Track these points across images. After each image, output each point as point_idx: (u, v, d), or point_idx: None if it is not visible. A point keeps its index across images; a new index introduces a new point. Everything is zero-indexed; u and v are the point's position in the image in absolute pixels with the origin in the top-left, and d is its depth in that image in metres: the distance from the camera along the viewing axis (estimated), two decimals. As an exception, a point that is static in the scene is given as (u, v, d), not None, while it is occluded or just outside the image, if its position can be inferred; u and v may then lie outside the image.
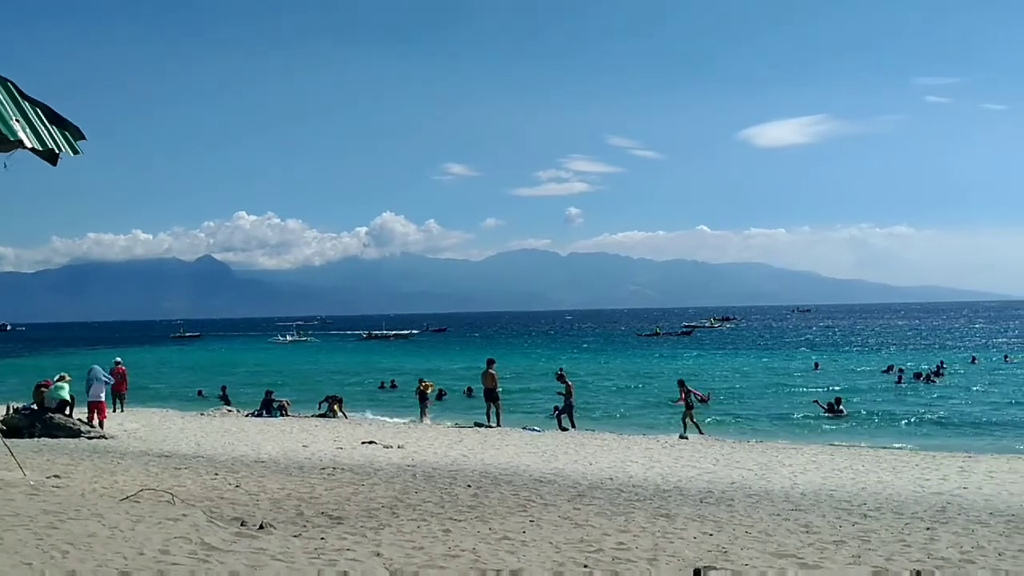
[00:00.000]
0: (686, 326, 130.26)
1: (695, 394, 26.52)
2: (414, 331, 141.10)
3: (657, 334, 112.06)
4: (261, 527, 9.70)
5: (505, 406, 27.49)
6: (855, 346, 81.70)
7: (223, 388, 38.43)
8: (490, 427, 25.54)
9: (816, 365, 53.99)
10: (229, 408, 32.64)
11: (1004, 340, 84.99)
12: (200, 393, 41.56)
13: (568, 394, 26.18)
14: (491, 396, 26.44)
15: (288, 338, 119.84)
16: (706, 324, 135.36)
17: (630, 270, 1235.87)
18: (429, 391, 30.41)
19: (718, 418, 31.36)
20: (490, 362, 27.28)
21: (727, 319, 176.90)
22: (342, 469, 15.80)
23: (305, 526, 10.20)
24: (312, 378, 52.35)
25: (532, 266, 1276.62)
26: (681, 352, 76.09)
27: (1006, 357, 58.26)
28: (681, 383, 26.76)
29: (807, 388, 41.09)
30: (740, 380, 47.77)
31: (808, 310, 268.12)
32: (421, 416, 29.04)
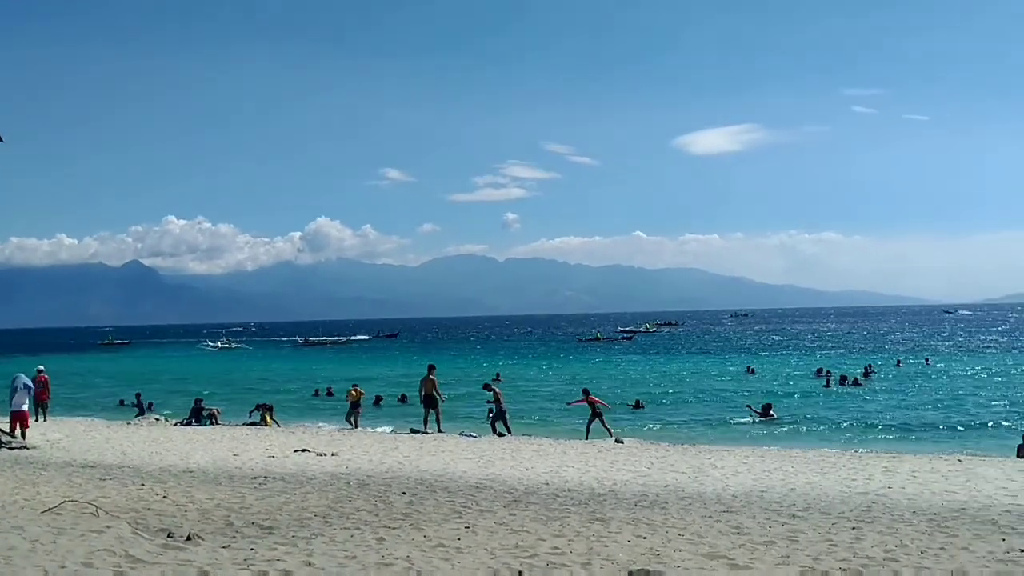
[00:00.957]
0: (624, 331, 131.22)
1: (599, 403, 26.87)
2: (365, 336, 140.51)
3: (598, 339, 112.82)
4: (189, 538, 9.50)
5: (445, 412, 27.32)
6: (788, 350, 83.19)
7: (137, 395, 37.56)
8: (426, 433, 25.39)
9: (752, 370, 54.89)
10: (156, 417, 31.90)
11: (925, 344, 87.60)
12: (122, 403, 40.41)
13: (497, 401, 26.28)
14: (431, 402, 26.27)
15: (218, 345, 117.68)
16: (642, 329, 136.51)
17: (567, 275, 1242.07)
18: (362, 398, 30.09)
19: (653, 422, 31.68)
20: (431, 368, 27.13)
21: (669, 324, 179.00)
22: (274, 478, 15.57)
23: (235, 537, 10.02)
24: (243, 386, 51.46)
25: (469, 272, 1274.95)
26: (620, 357, 76.70)
27: (927, 360, 60.01)
28: (586, 391, 27.25)
29: (741, 392, 41.71)
30: (676, 384, 48.29)
31: (745, 314, 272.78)
32: (353, 423, 28.76)
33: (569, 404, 28.85)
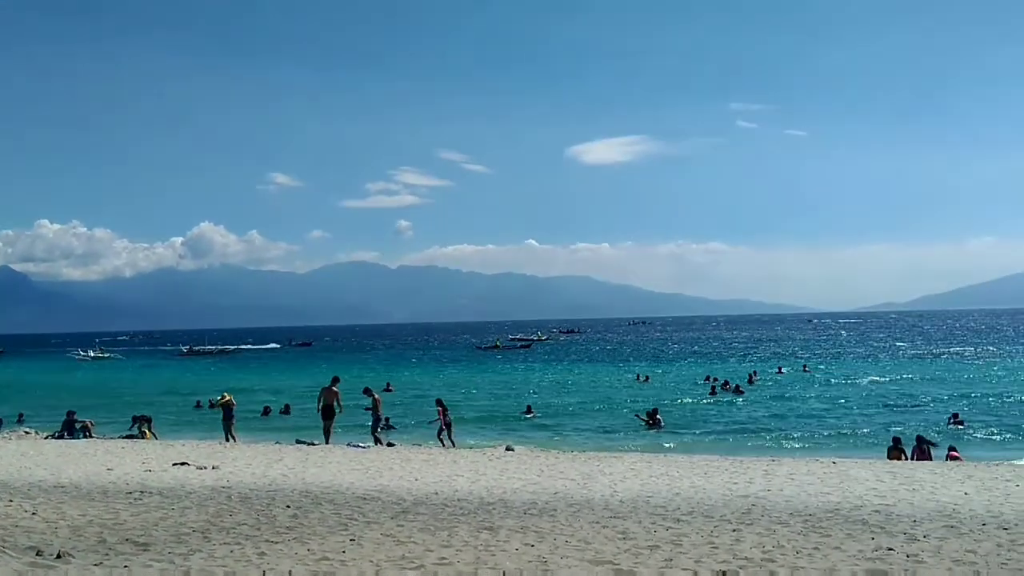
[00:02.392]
0: (518, 339, 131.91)
1: (446, 413, 26.91)
2: (275, 345, 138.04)
3: (497, 347, 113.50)
4: (59, 556, 9.10)
5: (339, 422, 26.79)
6: (681, 357, 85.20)
7: None
8: (313, 444, 24.96)
9: (644, 377, 55.98)
10: (26, 430, 30.41)
11: (803, 351, 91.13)
12: None
13: (375, 408, 26.04)
14: (329, 413, 25.84)
15: (90, 354, 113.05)
16: (534, 338, 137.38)
17: (460, 283, 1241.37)
18: (234, 407, 28.98)
19: (545, 429, 32.03)
20: (335, 380, 26.71)
21: (571, 331, 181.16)
22: (150, 493, 15.00)
23: (107, 554, 9.63)
24: (120, 397, 49.53)
25: (360, 279, 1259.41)
26: (518, 365, 77.22)
27: (804, 367, 62.47)
28: (439, 401, 27.25)
29: (633, 400, 42.37)
30: (569, 392, 48.90)
31: (643, 322, 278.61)
32: (226, 434, 27.73)
33: (430, 423, 28.43)
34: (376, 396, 26.58)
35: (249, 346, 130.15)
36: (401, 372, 69.49)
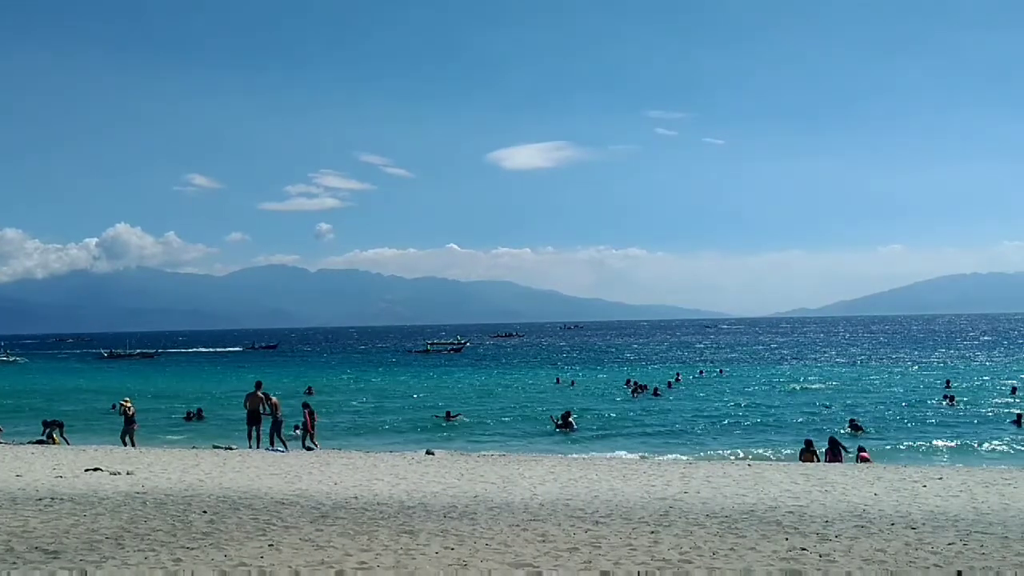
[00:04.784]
0: (454, 343, 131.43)
1: (312, 417, 26.77)
2: (238, 348, 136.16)
3: (427, 351, 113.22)
4: (-39, 567, 8.77)
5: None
6: (609, 361, 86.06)
7: None
8: (231, 449, 24.55)
9: (570, 382, 56.56)
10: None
11: (719, 356, 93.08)
12: None
13: (275, 411, 25.69)
14: (255, 418, 25.50)
15: None
16: (466, 341, 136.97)
17: (381, 287, 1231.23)
18: (133, 413, 28.20)
19: (465, 432, 32.04)
20: (258, 384, 26.47)
21: (509, 335, 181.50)
22: (61, 499, 14.56)
23: (15, 563, 9.34)
24: (28, 402, 47.86)
25: (280, 282, 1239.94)
26: (451, 369, 77.14)
27: (721, 371, 63.88)
28: (305, 405, 27.10)
29: (556, 404, 42.51)
30: (495, 396, 48.98)
31: (578, 326, 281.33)
32: (123, 439, 27.01)
33: (296, 428, 28.11)
34: (275, 399, 26.15)
35: (144, 349, 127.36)
36: (333, 375, 68.93)
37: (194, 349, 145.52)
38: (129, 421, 27.34)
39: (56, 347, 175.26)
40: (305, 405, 26.90)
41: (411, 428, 34.44)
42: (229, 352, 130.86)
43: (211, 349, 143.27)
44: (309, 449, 24.62)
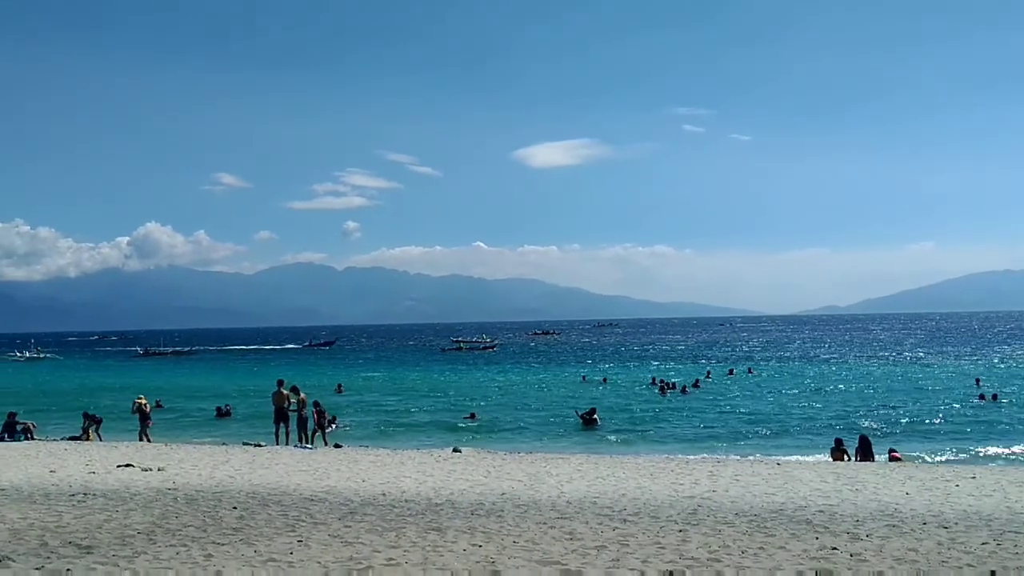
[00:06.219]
0: (487, 340, 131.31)
1: (322, 418, 27.02)
2: (294, 345, 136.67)
3: (460, 349, 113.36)
4: (-3, 561, 8.90)
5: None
6: (644, 359, 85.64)
7: None
8: (259, 446, 24.72)
9: (596, 379, 56.50)
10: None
11: (750, 354, 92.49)
12: None
13: (301, 407, 25.86)
14: (282, 416, 25.73)
15: (25, 355, 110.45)
16: (486, 340, 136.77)
17: (407, 285, 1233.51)
18: (149, 409, 28.56)
19: (491, 431, 32.09)
20: (280, 383, 26.68)
21: (548, 333, 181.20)
22: (94, 495, 14.74)
23: (49, 557, 9.46)
24: (61, 400, 48.37)
25: (308, 280, 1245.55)
26: (483, 367, 77.39)
27: (749, 370, 63.43)
28: (316, 403, 27.31)
29: (581, 401, 42.35)
30: (525, 394, 48.92)
31: (612, 324, 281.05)
32: (140, 435, 27.47)
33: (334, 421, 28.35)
34: (302, 395, 26.41)
35: (178, 348, 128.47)
36: (364, 374, 69.37)
37: (245, 346, 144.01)
38: (144, 418, 27.87)
39: (99, 344, 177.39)
40: (316, 404, 27.12)
41: (438, 426, 34.50)
42: (287, 350, 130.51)
43: (271, 347, 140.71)
44: (306, 448, 24.48)
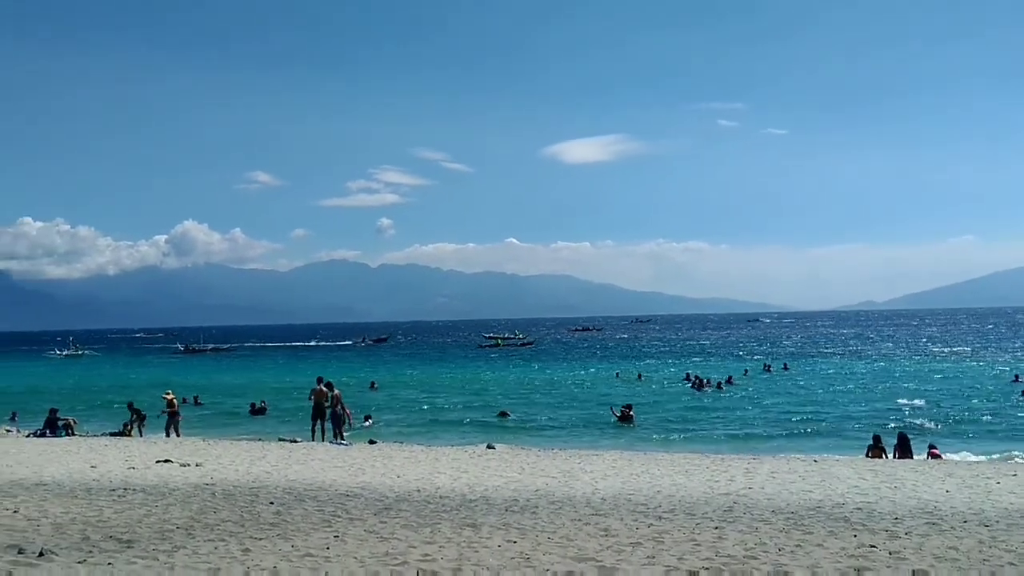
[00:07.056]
0: (524, 337, 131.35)
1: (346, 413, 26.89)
2: (346, 342, 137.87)
3: (498, 344, 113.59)
4: (41, 554, 9.08)
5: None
6: (676, 355, 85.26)
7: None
8: (295, 442, 24.95)
9: (631, 375, 56.45)
10: (7, 428, 30.12)
11: (786, 349, 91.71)
12: None
13: (335, 404, 25.95)
14: (320, 412, 25.94)
15: (64, 352, 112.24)
16: (521, 337, 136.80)
17: (440, 282, 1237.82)
18: (176, 406, 28.73)
19: (524, 428, 32.16)
20: (319, 380, 26.91)
21: (588, 329, 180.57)
22: (134, 490, 14.95)
23: (91, 551, 9.60)
24: (100, 395, 49.12)
25: (341, 277, 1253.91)
26: (519, 362, 77.66)
27: (785, 366, 62.90)
28: (336, 398, 27.10)
29: (617, 397, 42.13)
30: (560, 391, 48.88)
31: (649, 320, 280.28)
32: (175, 433, 27.72)
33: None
34: (337, 391, 26.50)
35: (219, 344, 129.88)
36: (399, 370, 69.65)
37: (290, 343, 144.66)
38: (173, 413, 28.18)
39: (144, 341, 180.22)
40: (336, 398, 27.12)
41: (473, 423, 34.58)
42: (343, 346, 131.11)
43: (324, 344, 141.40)
44: (342, 444, 24.57)
